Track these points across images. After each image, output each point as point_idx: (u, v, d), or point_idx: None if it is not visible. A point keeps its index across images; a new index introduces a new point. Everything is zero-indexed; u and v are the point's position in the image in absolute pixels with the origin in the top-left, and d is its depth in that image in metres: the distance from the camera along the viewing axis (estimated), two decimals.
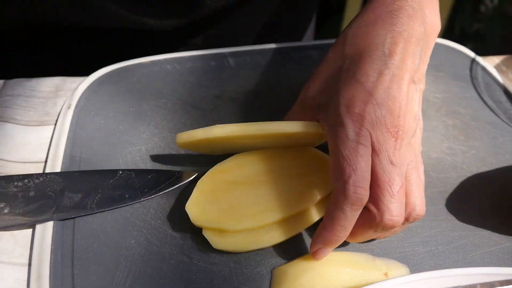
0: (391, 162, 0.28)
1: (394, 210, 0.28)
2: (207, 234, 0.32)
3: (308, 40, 0.63)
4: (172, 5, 0.47)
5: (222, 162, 0.35)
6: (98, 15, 0.46)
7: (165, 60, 0.47)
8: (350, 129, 0.28)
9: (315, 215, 0.33)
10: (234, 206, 0.33)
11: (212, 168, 0.35)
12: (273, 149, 0.36)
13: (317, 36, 0.50)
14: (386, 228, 0.29)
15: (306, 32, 0.62)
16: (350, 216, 0.28)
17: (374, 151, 0.29)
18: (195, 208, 0.33)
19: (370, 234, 0.31)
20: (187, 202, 0.33)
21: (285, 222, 0.33)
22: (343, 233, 0.29)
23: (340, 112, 0.29)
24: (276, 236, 0.32)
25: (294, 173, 0.34)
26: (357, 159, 0.28)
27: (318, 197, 0.33)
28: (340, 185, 0.28)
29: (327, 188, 0.33)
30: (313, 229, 0.32)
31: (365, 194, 0.28)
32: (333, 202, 0.29)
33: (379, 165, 0.28)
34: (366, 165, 0.28)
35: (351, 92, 0.29)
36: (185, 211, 0.33)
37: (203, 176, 0.34)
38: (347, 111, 0.29)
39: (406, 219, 0.30)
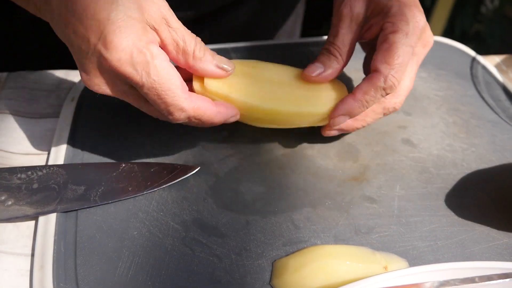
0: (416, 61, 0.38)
1: (397, 73, 0.34)
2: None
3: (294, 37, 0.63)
4: None
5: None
6: None
7: None
8: (411, 28, 0.35)
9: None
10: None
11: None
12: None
13: (320, 34, 0.50)
14: (386, 89, 0.34)
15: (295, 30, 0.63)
16: (379, 97, 0.35)
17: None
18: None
19: (369, 97, 0.35)
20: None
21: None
22: (363, 109, 0.36)
23: (404, 11, 0.36)
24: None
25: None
26: (406, 56, 0.34)
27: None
28: (384, 68, 0.34)
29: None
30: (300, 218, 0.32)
31: (397, 86, 0.34)
32: (371, 81, 0.34)
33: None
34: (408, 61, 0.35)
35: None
36: (186, 206, 0.33)
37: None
38: (412, 15, 0.36)
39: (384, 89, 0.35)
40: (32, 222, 0.34)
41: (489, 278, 0.25)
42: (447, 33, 1.25)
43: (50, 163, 0.37)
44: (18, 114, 0.42)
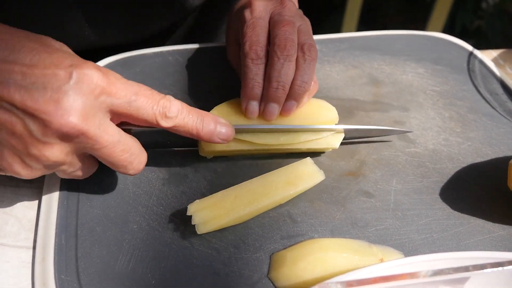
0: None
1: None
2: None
3: None
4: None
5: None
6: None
7: (168, 52, 0.48)
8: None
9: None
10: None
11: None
12: None
13: (319, 31, 0.51)
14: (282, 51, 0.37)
15: None
16: (253, 68, 0.37)
17: None
18: None
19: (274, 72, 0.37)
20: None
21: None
22: (256, 84, 0.37)
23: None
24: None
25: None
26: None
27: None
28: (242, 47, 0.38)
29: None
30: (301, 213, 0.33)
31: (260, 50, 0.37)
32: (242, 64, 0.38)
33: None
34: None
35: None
36: (185, 200, 0.34)
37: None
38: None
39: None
40: (34, 216, 0.35)
41: (483, 267, 0.26)
42: (447, 29, 1.25)
43: None
44: None
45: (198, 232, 0.33)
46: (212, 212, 0.33)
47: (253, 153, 0.39)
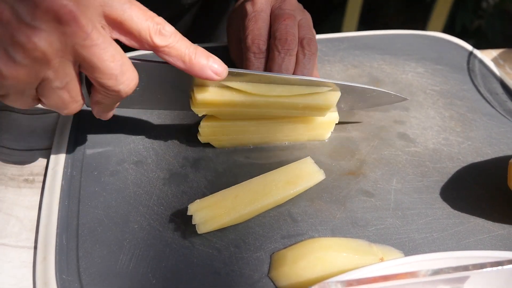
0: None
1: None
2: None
3: None
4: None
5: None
6: None
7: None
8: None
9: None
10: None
11: None
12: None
13: (319, 31, 0.51)
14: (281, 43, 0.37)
15: None
16: (255, 62, 0.38)
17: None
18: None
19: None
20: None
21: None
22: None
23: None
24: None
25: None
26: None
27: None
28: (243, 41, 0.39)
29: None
30: (302, 213, 0.33)
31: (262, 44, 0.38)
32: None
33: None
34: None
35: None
36: (185, 200, 0.34)
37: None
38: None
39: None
40: (35, 216, 0.35)
41: (482, 266, 0.26)
42: (447, 29, 1.25)
43: (52, 158, 0.38)
44: (20, 111, 0.43)
45: (199, 232, 0.33)
46: (212, 212, 0.33)
47: (248, 114, 0.38)
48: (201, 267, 0.32)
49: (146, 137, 0.40)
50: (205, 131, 0.38)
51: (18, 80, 0.27)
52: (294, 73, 0.38)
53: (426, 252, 0.33)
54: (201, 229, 0.33)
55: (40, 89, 0.29)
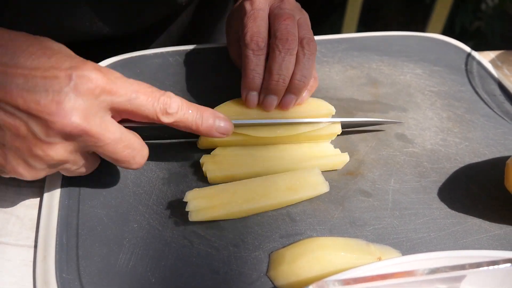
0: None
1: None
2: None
3: None
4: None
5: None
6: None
7: (168, 52, 0.49)
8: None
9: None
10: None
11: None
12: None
13: (319, 31, 0.51)
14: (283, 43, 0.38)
15: None
16: (254, 59, 0.38)
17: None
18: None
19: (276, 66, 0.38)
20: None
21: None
22: (256, 75, 0.38)
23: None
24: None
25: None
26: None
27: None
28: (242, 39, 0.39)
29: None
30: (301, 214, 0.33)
31: (261, 41, 0.38)
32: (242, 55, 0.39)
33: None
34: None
35: None
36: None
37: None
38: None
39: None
40: (35, 215, 0.35)
41: (479, 265, 0.26)
42: (447, 30, 1.25)
43: None
44: None
45: (190, 219, 0.33)
46: (207, 203, 0.34)
47: (251, 144, 0.39)
48: (200, 266, 0.32)
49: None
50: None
51: (40, 176, 0.31)
52: (293, 73, 0.38)
53: (423, 252, 0.33)
54: (193, 217, 0.33)
55: (60, 171, 0.33)
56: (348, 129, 0.42)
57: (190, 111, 0.33)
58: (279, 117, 0.39)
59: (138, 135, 0.33)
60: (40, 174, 0.31)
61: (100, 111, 0.30)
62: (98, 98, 0.29)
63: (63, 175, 0.37)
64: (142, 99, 0.31)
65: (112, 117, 0.31)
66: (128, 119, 0.33)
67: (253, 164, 0.37)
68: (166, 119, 0.32)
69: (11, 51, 0.28)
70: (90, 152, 0.33)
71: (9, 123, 0.28)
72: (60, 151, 0.29)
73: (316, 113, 0.40)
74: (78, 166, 0.33)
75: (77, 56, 0.30)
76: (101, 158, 0.34)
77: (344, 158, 0.39)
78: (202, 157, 0.38)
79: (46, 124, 0.28)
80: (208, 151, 0.39)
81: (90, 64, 0.29)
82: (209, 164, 0.37)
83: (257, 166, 0.37)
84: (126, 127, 0.32)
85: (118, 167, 0.38)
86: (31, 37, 0.30)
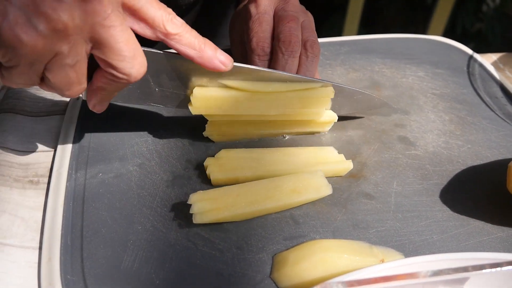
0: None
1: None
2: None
3: None
4: None
5: None
6: None
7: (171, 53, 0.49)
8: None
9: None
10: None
11: None
12: None
13: (320, 33, 0.51)
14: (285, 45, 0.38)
15: None
16: (259, 64, 0.39)
17: None
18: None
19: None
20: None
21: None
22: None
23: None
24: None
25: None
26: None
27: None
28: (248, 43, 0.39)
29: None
30: (303, 216, 0.33)
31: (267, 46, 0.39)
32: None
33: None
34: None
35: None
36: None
37: None
38: None
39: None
40: (40, 217, 0.35)
41: (481, 267, 0.26)
42: (448, 32, 1.26)
43: (56, 159, 0.38)
44: (25, 113, 0.43)
45: (194, 221, 0.33)
46: (211, 205, 0.34)
47: (245, 116, 0.39)
48: (204, 268, 0.32)
49: (150, 140, 0.40)
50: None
51: (34, 50, 0.28)
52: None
53: (426, 254, 0.34)
54: (197, 219, 0.33)
55: (49, 65, 0.30)
56: (345, 114, 0.42)
57: (193, 33, 0.33)
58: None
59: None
60: (38, 42, 0.28)
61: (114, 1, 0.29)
62: None
63: (67, 177, 0.37)
64: (152, 2, 0.31)
65: None
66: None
67: (256, 167, 0.37)
68: (171, 27, 0.32)
69: None
70: (89, 45, 0.30)
71: None
72: (68, 13, 0.27)
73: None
74: (71, 61, 0.30)
75: None
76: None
77: (348, 165, 0.39)
78: (206, 160, 0.38)
79: None
80: (209, 147, 0.39)
81: None
82: (213, 167, 0.37)
83: (261, 169, 0.37)
84: None
85: (122, 170, 0.38)
86: None
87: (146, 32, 0.32)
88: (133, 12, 0.31)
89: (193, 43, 0.33)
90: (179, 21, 0.32)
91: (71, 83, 0.31)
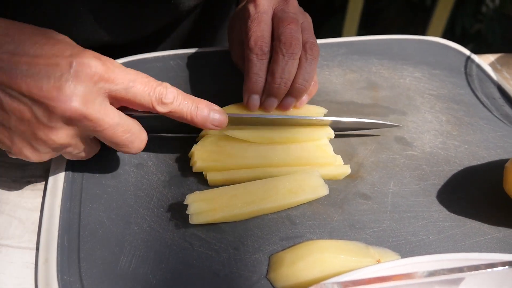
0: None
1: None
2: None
3: None
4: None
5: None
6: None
7: (169, 56, 0.49)
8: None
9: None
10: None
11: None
12: None
13: (319, 34, 0.51)
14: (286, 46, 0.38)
15: None
16: (258, 63, 0.38)
17: None
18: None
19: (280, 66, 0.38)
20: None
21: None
22: (259, 79, 0.39)
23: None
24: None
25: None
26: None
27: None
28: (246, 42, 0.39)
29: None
30: (301, 217, 0.34)
31: (265, 46, 0.39)
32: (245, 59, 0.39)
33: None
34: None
35: None
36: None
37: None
38: None
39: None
40: (37, 218, 0.35)
41: (477, 268, 0.26)
42: (447, 33, 1.26)
43: (53, 161, 0.38)
44: None
45: (191, 222, 0.34)
46: (208, 205, 0.34)
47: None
48: (200, 268, 0.32)
49: (148, 144, 0.40)
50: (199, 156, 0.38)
51: (43, 159, 0.33)
52: (295, 76, 0.39)
53: (422, 254, 0.34)
54: (194, 219, 0.34)
55: (63, 155, 0.35)
56: (345, 132, 0.42)
57: (186, 102, 0.34)
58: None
59: (137, 121, 0.34)
60: (44, 157, 0.33)
61: (98, 97, 0.31)
62: (97, 84, 0.30)
63: (64, 178, 0.37)
64: (138, 88, 0.32)
65: (111, 104, 0.32)
66: (127, 108, 0.34)
67: (253, 168, 0.38)
68: (161, 109, 0.33)
69: (17, 40, 0.30)
70: (90, 137, 0.34)
71: (14, 107, 0.30)
72: (61, 135, 0.31)
73: (308, 112, 0.41)
74: (79, 150, 0.34)
75: (79, 46, 0.32)
76: (102, 144, 0.36)
77: (345, 170, 0.39)
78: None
79: (48, 108, 0.29)
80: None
81: (90, 52, 0.31)
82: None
83: (258, 170, 0.37)
84: (126, 114, 0.34)
85: (119, 171, 0.38)
86: (37, 28, 0.31)
87: (141, 110, 0.34)
88: (124, 102, 0.33)
89: (185, 115, 0.34)
90: (170, 98, 0.33)
91: (88, 155, 0.36)
